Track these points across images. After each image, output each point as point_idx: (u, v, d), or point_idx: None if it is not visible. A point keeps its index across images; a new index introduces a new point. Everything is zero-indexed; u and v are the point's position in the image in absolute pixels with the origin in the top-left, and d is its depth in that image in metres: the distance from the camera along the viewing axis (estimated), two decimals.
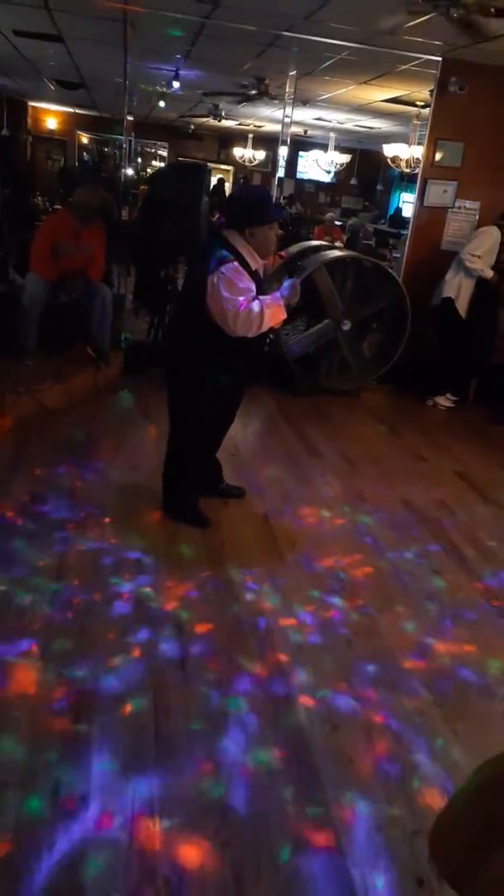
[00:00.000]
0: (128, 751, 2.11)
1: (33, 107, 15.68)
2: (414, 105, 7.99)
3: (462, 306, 5.71)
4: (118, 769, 2.04)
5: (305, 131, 12.59)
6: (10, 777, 1.97)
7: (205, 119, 12.34)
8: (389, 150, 9.91)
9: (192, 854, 1.81)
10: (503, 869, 1.15)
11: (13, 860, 1.74)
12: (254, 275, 3.12)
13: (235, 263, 3.01)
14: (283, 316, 3.13)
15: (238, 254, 3.06)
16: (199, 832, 1.87)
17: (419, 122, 8.42)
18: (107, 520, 3.47)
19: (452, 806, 1.37)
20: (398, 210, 14.11)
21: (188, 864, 1.78)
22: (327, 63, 6.48)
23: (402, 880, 1.81)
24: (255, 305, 3.00)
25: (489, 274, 5.61)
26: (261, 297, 3.07)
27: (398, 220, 12.95)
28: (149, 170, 15.95)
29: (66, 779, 1.98)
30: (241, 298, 2.97)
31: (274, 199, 9.27)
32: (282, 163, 8.53)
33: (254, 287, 3.06)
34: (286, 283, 3.19)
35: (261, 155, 14.58)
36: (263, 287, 3.23)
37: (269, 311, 3.02)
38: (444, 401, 6.04)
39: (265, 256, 3.24)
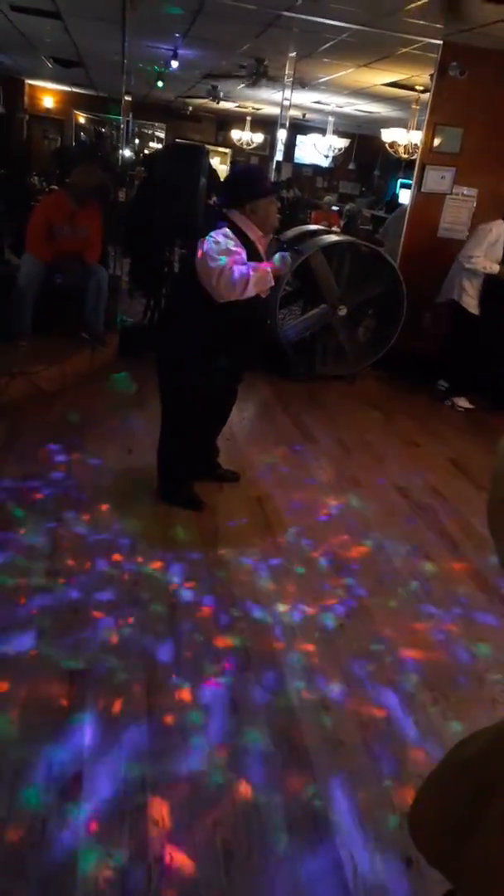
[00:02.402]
0: (120, 731, 2.12)
1: (30, 85, 15.47)
2: (413, 89, 7.93)
3: (471, 304, 5.53)
4: (111, 749, 2.05)
5: (304, 115, 12.48)
6: (3, 758, 1.98)
7: (203, 101, 12.21)
8: (388, 135, 9.83)
9: (183, 834, 1.82)
10: (484, 852, 1.17)
11: (4, 841, 1.76)
12: (251, 246, 3.11)
13: (227, 229, 3.02)
14: (271, 283, 3.10)
15: (235, 226, 3.07)
16: (191, 812, 1.89)
17: (418, 107, 8.36)
18: (101, 502, 3.47)
19: (430, 788, 1.37)
20: (395, 196, 14.02)
21: (179, 843, 1.80)
22: (327, 45, 6.41)
23: (391, 860, 1.83)
24: (242, 267, 2.98)
25: (496, 269, 5.42)
26: (249, 262, 3.06)
27: (395, 205, 12.85)
28: (146, 151, 15.80)
29: (59, 759, 2.00)
30: (226, 258, 2.96)
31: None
32: (280, 146, 8.45)
33: (244, 252, 3.05)
34: (278, 255, 3.20)
35: (259, 138, 14.44)
36: (261, 260, 3.21)
37: (256, 274, 2.99)
38: (463, 402, 5.82)
39: (268, 231, 3.24)
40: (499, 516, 1.00)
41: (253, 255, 3.10)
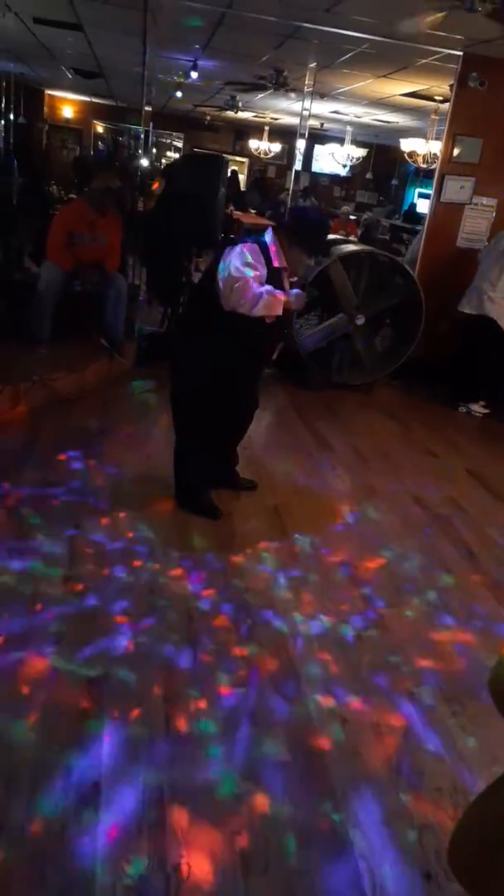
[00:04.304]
0: (139, 739, 2.12)
1: (50, 95, 15.68)
2: (433, 100, 7.94)
3: None
4: (129, 757, 2.05)
5: (322, 124, 12.53)
6: (23, 762, 1.99)
7: (221, 111, 12.30)
8: (406, 144, 9.86)
9: (201, 843, 1.82)
10: None
11: (24, 847, 1.76)
12: (274, 272, 3.17)
13: (257, 247, 3.10)
14: (279, 311, 3.16)
15: (266, 249, 3.14)
16: (209, 822, 1.89)
17: (437, 117, 8.37)
18: (119, 509, 3.48)
19: (471, 820, 1.38)
20: (413, 205, 14.05)
21: (198, 853, 1.80)
22: (347, 56, 6.44)
23: (410, 874, 1.82)
24: (257, 286, 3.04)
25: None
26: (267, 285, 3.11)
27: (412, 215, 12.89)
28: (163, 160, 15.92)
29: (78, 765, 2.00)
30: (247, 272, 3.02)
31: (290, 190, 9.27)
32: (299, 156, 8.48)
33: (265, 273, 3.11)
34: (294, 290, 3.29)
35: (276, 147, 14.53)
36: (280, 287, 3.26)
37: (268, 297, 3.05)
38: (479, 408, 5.85)
39: (293, 273, 3.32)
40: None
41: (274, 282, 3.16)
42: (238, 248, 3.08)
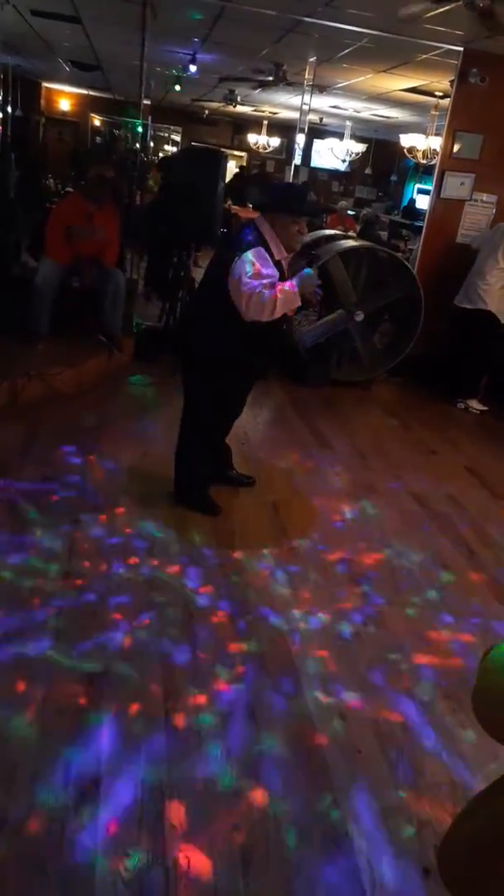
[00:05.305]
0: (137, 734, 2.13)
1: (47, 88, 15.59)
2: (433, 95, 7.92)
3: None
4: (129, 752, 2.06)
5: (321, 119, 12.49)
6: (22, 758, 1.99)
7: (219, 104, 12.25)
8: (406, 140, 9.84)
9: (201, 838, 1.83)
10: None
11: (24, 841, 1.77)
12: (277, 264, 3.14)
13: (261, 249, 3.06)
14: (297, 304, 3.13)
15: (264, 241, 3.10)
16: (209, 817, 1.89)
17: (437, 113, 8.35)
18: (117, 505, 3.48)
19: (462, 827, 1.37)
20: (412, 201, 14.02)
21: (197, 847, 1.80)
22: (347, 50, 6.42)
23: (409, 870, 1.83)
24: (270, 291, 3.02)
25: None
26: (277, 283, 3.09)
27: (411, 211, 12.86)
28: (160, 154, 15.86)
29: (77, 761, 2.00)
30: (257, 282, 3.00)
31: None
32: (298, 151, 8.45)
33: (276, 274, 3.09)
34: (303, 273, 3.19)
35: (275, 142, 14.49)
36: (284, 278, 3.23)
37: (283, 296, 3.03)
38: (477, 404, 5.89)
39: (288, 249, 3.25)
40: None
41: (279, 274, 3.14)
42: (244, 259, 3.01)
